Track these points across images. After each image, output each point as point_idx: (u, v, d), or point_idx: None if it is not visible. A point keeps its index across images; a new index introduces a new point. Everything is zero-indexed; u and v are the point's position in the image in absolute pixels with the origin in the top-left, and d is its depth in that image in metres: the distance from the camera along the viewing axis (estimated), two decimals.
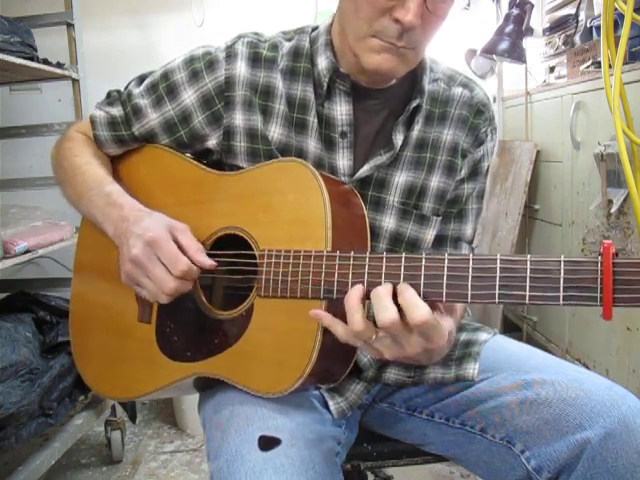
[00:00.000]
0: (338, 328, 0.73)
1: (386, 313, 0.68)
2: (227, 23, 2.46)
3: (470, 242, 1.02)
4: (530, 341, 2.26)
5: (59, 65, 1.85)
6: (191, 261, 0.83)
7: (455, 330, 0.74)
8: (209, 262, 0.84)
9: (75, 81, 1.91)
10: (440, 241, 0.99)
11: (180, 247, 0.83)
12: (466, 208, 0.99)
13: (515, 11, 2.20)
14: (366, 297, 0.73)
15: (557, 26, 2.29)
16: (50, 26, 1.94)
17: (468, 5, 2.52)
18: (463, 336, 0.96)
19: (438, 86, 0.96)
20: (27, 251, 1.57)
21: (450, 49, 2.42)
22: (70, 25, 1.89)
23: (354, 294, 0.72)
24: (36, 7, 2.01)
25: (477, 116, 0.96)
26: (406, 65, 0.86)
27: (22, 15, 1.85)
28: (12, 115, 2.24)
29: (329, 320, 0.73)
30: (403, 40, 0.81)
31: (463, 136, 0.95)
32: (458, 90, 0.96)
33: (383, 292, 0.70)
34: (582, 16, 2.08)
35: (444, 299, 0.69)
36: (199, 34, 2.43)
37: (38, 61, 1.73)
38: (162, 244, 0.82)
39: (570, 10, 2.21)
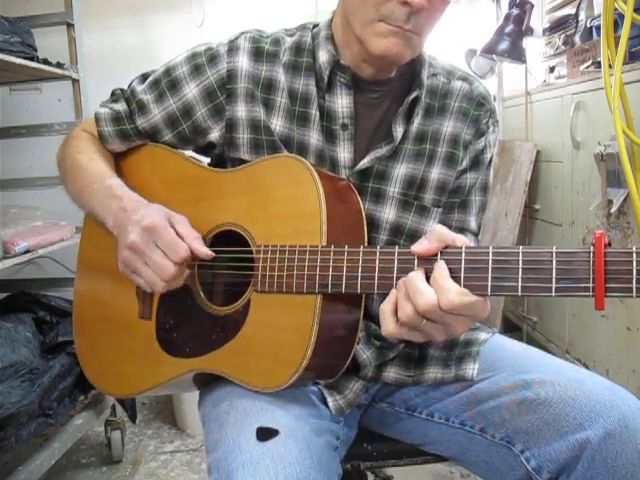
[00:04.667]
0: (389, 319, 0.72)
1: (423, 297, 0.68)
2: (227, 23, 2.45)
3: (476, 234, 1.02)
4: (530, 341, 2.25)
5: (59, 65, 1.85)
6: (190, 249, 0.83)
7: None
8: (206, 251, 0.84)
9: (75, 81, 1.91)
10: None
11: (178, 236, 0.83)
12: (469, 199, 0.99)
13: (515, 11, 2.20)
14: (377, 292, 0.74)
15: (557, 26, 2.29)
16: (50, 26, 1.94)
17: None
18: (462, 336, 0.96)
19: (437, 80, 0.96)
20: (27, 251, 1.57)
21: (450, 49, 2.42)
22: (70, 25, 1.89)
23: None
24: (36, 7, 2.01)
25: (478, 108, 0.97)
26: (411, 50, 0.86)
27: (22, 15, 1.85)
28: (12, 115, 2.24)
29: (388, 307, 0.73)
30: (410, 23, 0.82)
31: (464, 128, 0.96)
32: (457, 83, 0.97)
33: (414, 276, 0.70)
34: (582, 16, 2.08)
35: None
36: (199, 34, 2.43)
37: (38, 61, 1.73)
38: (161, 230, 0.82)
39: (570, 10, 2.21)
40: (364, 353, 0.94)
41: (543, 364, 0.88)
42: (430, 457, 0.99)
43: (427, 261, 0.71)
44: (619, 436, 0.75)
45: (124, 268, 0.86)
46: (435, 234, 0.71)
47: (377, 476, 1.56)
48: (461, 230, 0.99)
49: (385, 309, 0.73)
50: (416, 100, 0.93)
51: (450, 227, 0.97)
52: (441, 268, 0.69)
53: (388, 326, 0.73)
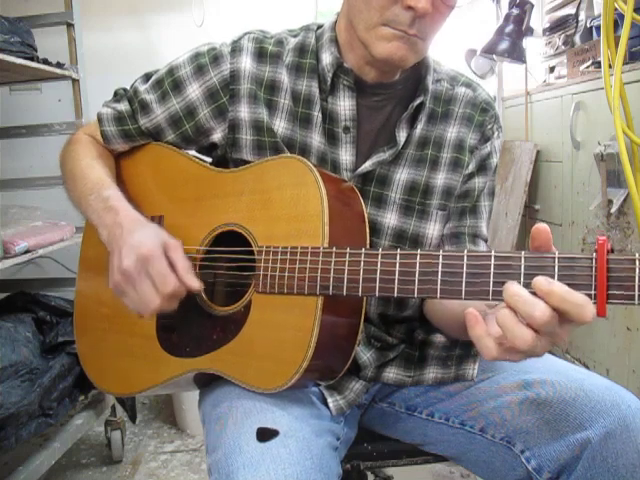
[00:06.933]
0: (489, 344, 0.63)
1: (537, 309, 0.58)
2: (227, 23, 2.46)
3: (486, 240, 1.02)
4: None
5: (59, 65, 1.85)
6: (179, 280, 0.82)
7: None
8: (196, 284, 0.82)
9: (75, 81, 1.91)
10: (458, 237, 0.98)
11: (170, 264, 0.82)
12: (479, 204, 0.99)
13: (515, 11, 2.20)
14: (381, 295, 0.72)
15: (557, 26, 2.29)
16: (50, 26, 1.94)
17: None
18: None
19: (441, 86, 0.96)
20: (27, 251, 1.57)
21: (450, 49, 2.42)
22: (70, 25, 1.89)
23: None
24: (36, 7, 2.01)
25: (482, 114, 0.96)
26: (415, 55, 0.86)
27: (22, 15, 1.84)
28: (12, 115, 2.24)
29: (482, 331, 0.64)
30: (415, 28, 0.82)
31: (469, 133, 0.96)
32: (461, 90, 0.97)
33: (518, 288, 0.61)
34: (582, 16, 2.08)
35: (438, 295, 0.69)
36: (199, 34, 2.43)
37: (38, 61, 1.73)
38: (154, 261, 0.81)
39: (570, 10, 2.21)
40: (364, 355, 0.94)
41: (543, 364, 0.88)
42: (430, 457, 0.99)
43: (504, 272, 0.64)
44: (619, 436, 0.75)
45: (115, 289, 0.85)
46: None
47: (377, 476, 1.56)
48: (474, 236, 0.99)
49: (480, 334, 0.64)
50: (420, 105, 0.93)
51: (463, 233, 0.97)
52: (558, 284, 0.59)
53: (491, 352, 0.63)
